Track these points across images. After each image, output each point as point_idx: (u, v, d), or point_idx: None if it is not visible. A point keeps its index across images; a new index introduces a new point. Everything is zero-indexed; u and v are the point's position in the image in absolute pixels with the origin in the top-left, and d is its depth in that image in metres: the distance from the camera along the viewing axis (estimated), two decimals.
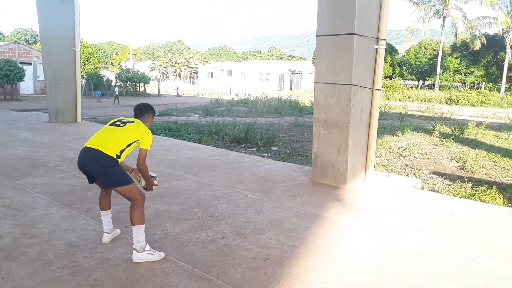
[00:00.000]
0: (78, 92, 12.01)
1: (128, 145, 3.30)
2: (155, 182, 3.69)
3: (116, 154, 3.21)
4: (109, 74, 43.33)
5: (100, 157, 3.16)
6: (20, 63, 25.86)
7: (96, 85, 30.80)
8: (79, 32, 11.74)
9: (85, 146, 3.28)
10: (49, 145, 8.34)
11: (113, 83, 35.10)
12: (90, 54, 40.54)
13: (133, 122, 3.43)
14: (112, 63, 72.17)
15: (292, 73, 52.49)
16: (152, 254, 3.30)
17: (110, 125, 3.42)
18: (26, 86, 27.59)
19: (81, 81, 16.21)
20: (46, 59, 11.76)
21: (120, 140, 3.25)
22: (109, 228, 3.65)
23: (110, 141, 3.23)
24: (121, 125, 3.36)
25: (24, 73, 24.12)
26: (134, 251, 3.26)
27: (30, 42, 60.71)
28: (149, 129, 3.53)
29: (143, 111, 3.58)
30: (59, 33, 11.28)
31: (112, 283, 2.96)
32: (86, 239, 3.71)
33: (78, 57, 11.78)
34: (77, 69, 11.81)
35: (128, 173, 3.45)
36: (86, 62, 39.03)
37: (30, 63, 27.83)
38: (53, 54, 11.44)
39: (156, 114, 3.49)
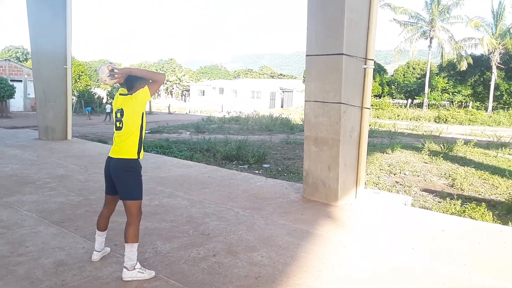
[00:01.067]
0: (68, 110, 11.96)
1: (141, 130, 3.29)
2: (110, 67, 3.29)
3: (137, 151, 3.28)
4: (101, 92, 43.28)
5: (122, 163, 3.26)
6: (11, 80, 25.81)
7: (87, 102, 30.74)
8: (71, 50, 11.77)
9: (108, 156, 3.38)
10: (39, 162, 8.26)
11: (104, 101, 35.07)
12: (81, 72, 40.57)
13: (122, 110, 3.25)
14: None
15: (283, 91, 52.96)
16: (143, 273, 3.27)
17: (116, 129, 3.34)
18: (16, 104, 27.47)
19: (72, 98, 16.16)
20: (37, 76, 11.74)
21: (131, 140, 3.26)
22: (100, 247, 3.61)
23: (124, 146, 3.26)
24: (120, 126, 3.29)
25: (15, 91, 24.04)
26: (124, 269, 3.23)
27: (21, 59, 60.61)
28: (152, 95, 3.38)
29: (134, 81, 3.32)
30: (51, 50, 11.30)
31: None
32: (75, 258, 3.66)
33: (69, 75, 11.78)
34: (68, 86, 11.79)
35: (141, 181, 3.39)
36: (78, 80, 39.01)
37: (21, 81, 27.77)
38: (44, 71, 11.43)
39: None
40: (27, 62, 47.76)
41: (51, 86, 11.53)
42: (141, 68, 3.31)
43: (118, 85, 3.43)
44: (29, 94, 27.89)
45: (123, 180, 3.27)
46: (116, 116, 3.34)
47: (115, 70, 3.28)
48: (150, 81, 3.31)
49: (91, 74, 49.63)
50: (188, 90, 63.26)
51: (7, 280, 3.17)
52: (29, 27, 11.42)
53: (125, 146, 3.25)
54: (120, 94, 3.36)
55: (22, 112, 27.26)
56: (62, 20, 11.29)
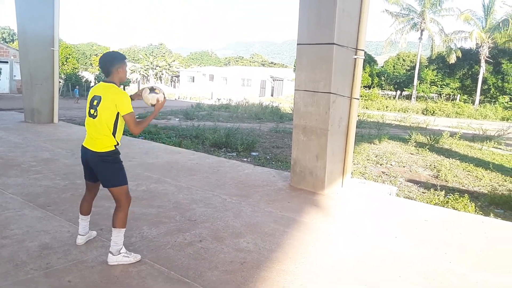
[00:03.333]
0: (55, 92, 11.77)
1: (115, 125, 3.13)
2: (160, 96, 3.29)
3: (114, 144, 3.17)
4: (88, 75, 42.62)
5: (98, 155, 3.15)
6: None
7: (74, 86, 30.24)
8: (58, 32, 11.54)
9: (82, 144, 3.27)
10: (24, 145, 8.15)
11: (91, 84, 34.56)
12: (69, 55, 39.78)
13: (100, 98, 3.08)
14: (91, 64, 71.03)
15: (273, 80, 52.83)
16: (128, 257, 3.27)
17: (89, 115, 3.17)
18: (2, 85, 26.90)
19: (59, 81, 15.89)
20: (23, 58, 11.50)
21: (103, 131, 3.11)
22: (84, 231, 3.60)
23: (97, 137, 3.13)
24: (94, 114, 3.12)
25: (0, 72, 23.51)
26: (109, 254, 3.23)
27: (7, 40, 59.25)
28: (125, 79, 3.19)
29: (108, 66, 3.13)
30: (38, 32, 11.06)
31: (86, 285, 2.92)
32: (60, 241, 3.64)
33: (56, 57, 11.56)
34: (55, 69, 11.58)
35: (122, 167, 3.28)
36: (65, 63, 38.29)
37: (7, 62, 27.16)
38: (31, 53, 11.20)
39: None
40: (13, 43, 46.68)
41: (38, 68, 11.32)
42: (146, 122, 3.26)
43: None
44: (15, 76, 27.30)
45: (103, 170, 3.19)
46: (91, 103, 3.14)
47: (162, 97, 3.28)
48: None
49: (79, 57, 48.84)
50: (177, 76, 62.66)
51: None
52: (16, 7, 11.13)
53: (101, 142, 3.13)
54: (103, 81, 3.21)
55: (8, 94, 26.72)
56: (50, 0, 11.04)
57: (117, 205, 3.25)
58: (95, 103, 3.13)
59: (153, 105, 3.34)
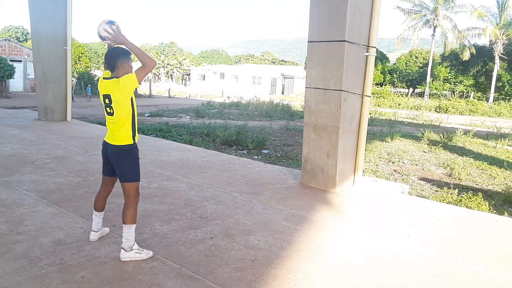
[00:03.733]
0: (68, 91, 11.92)
1: (133, 115, 3.22)
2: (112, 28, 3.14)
3: (132, 136, 3.26)
4: (100, 74, 43.05)
5: (117, 149, 3.25)
6: (10, 60, 25.63)
7: (86, 84, 30.58)
8: (71, 31, 11.67)
9: (104, 139, 3.38)
10: (38, 143, 8.27)
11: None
12: (81, 53, 40.28)
13: (109, 96, 3.13)
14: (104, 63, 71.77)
15: (284, 78, 52.71)
16: (140, 253, 3.31)
17: (107, 113, 3.25)
18: (16, 84, 27.32)
19: (72, 80, 16.06)
20: (37, 57, 11.66)
21: (124, 127, 3.21)
22: (97, 227, 3.65)
23: (117, 133, 3.23)
24: (110, 111, 3.19)
25: (14, 71, 23.89)
26: (122, 250, 3.27)
27: (21, 39, 60.11)
28: (130, 73, 3.12)
29: (113, 62, 3.16)
30: (51, 31, 11.21)
31: (99, 280, 2.96)
32: (73, 237, 3.69)
33: (69, 56, 11.70)
34: (67, 68, 11.73)
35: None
36: (77, 61, 38.78)
37: (21, 61, 27.58)
38: (44, 52, 11.35)
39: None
40: (27, 42, 47.39)
41: (51, 67, 11.47)
42: (136, 46, 3.15)
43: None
44: (28, 74, 27.72)
45: (120, 163, 3.28)
46: (104, 102, 3.21)
47: (111, 31, 3.11)
48: (135, 64, 3.08)
49: (91, 56, 49.35)
50: (188, 74, 62.95)
51: (6, 258, 3.21)
52: (29, 7, 11.30)
53: (120, 135, 3.23)
54: (104, 78, 3.22)
55: (22, 93, 27.15)
56: (63, 0, 11.17)
57: (126, 201, 3.28)
58: (107, 101, 3.20)
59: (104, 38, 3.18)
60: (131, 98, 3.19)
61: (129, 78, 3.07)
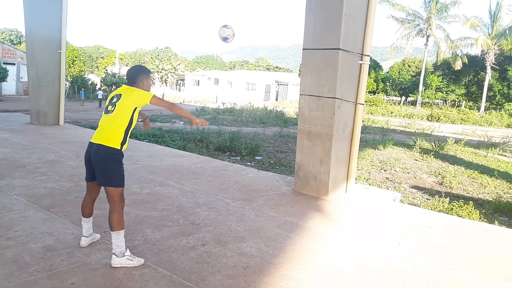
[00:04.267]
0: (61, 95, 11.84)
1: (131, 118, 3.22)
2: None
3: (121, 142, 3.22)
4: (94, 78, 42.90)
5: (103, 150, 3.19)
6: (4, 63, 25.44)
7: (80, 88, 30.46)
8: (66, 35, 11.63)
9: (90, 141, 3.31)
10: (30, 147, 8.20)
11: (97, 87, 34.76)
12: (75, 57, 40.11)
13: (120, 95, 3.23)
14: (97, 67, 71.53)
15: (278, 84, 52.89)
16: (132, 260, 3.28)
17: (105, 112, 3.30)
18: (9, 87, 27.12)
19: (65, 83, 15.98)
20: (31, 60, 11.59)
21: (117, 126, 3.19)
22: (88, 232, 3.61)
23: (108, 132, 3.20)
24: (111, 109, 3.23)
25: (7, 74, 23.74)
26: (113, 256, 3.24)
27: (15, 42, 59.82)
28: (149, 91, 3.32)
29: (134, 77, 3.34)
30: (45, 34, 11.16)
31: (89, 287, 2.93)
32: (64, 243, 3.66)
33: (63, 60, 11.64)
34: (61, 71, 11.66)
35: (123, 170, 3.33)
36: (71, 65, 38.59)
37: (14, 64, 27.40)
38: (38, 55, 11.29)
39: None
40: (20, 45, 47.14)
41: (45, 70, 11.40)
42: (183, 110, 3.36)
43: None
44: (22, 77, 27.53)
45: (103, 166, 3.21)
46: (111, 101, 3.28)
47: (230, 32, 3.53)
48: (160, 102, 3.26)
49: (85, 60, 49.16)
50: (183, 80, 62.93)
51: None
52: (24, 10, 11.25)
53: (109, 134, 3.19)
54: (125, 84, 3.38)
55: (14, 96, 26.95)
56: (58, 3, 11.14)
57: (111, 207, 3.24)
58: (114, 100, 3.25)
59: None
60: (134, 110, 3.22)
61: (144, 93, 3.21)
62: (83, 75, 39.33)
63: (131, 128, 3.28)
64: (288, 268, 3.51)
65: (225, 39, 3.51)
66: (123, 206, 3.31)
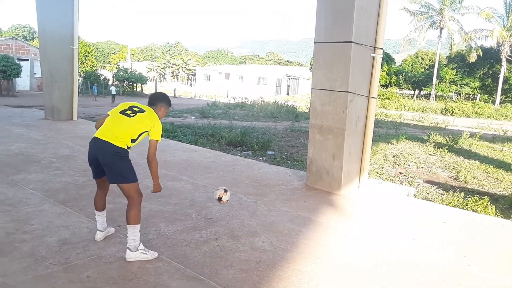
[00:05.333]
0: (74, 90, 11.98)
1: (139, 135, 3.28)
2: (224, 197, 3.93)
3: (127, 145, 3.22)
4: (106, 73, 43.27)
5: (111, 148, 3.17)
6: (17, 59, 25.81)
7: (92, 83, 30.75)
8: (78, 30, 11.74)
9: (94, 136, 3.26)
10: (44, 142, 8.31)
11: (110, 82, 35.06)
12: (88, 53, 40.52)
13: (144, 111, 3.34)
14: (109, 62, 72.09)
15: (289, 79, 52.68)
16: (146, 254, 3.31)
17: (120, 112, 3.31)
18: (23, 83, 27.51)
19: (78, 79, 16.13)
20: (44, 56, 11.74)
21: (130, 131, 3.21)
22: (102, 226, 3.65)
23: (120, 132, 3.19)
24: (131, 114, 3.28)
25: (21, 70, 24.06)
26: (127, 250, 3.27)
27: (28, 38, 60.57)
28: (161, 119, 3.47)
29: (156, 100, 3.51)
30: (58, 30, 11.28)
31: (104, 280, 2.97)
32: (79, 237, 3.71)
33: (76, 55, 11.77)
34: (74, 67, 11.79)
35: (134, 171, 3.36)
36: (84, 61, 39.00)
37: (27, 60, 27.76)
38: (51, 51, 11.42)
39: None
40: (34, 41, 47.73)
41: (58, 66, 11.54)
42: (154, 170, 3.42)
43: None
44: (35, 73, 27.89)
45: (114, 165, 3.20)
46: (130, 107, 3.35)
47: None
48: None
49: (97, 55, 49.57)
50: (194, 75, 63.06)
51: (12, 257, 3.23)
52: (37, 6, 11.38)
53: (121, 134, 3.18)
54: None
55: (28, 92, 27.33)
56: (70, 0, 11.23)
57: (129, 202, 3.26)
58: (136, 109, 3.34)
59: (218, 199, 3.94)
60: (145, 132, 3.30)
61: (159, 131, 3.35)
62: (96, 70, 39.72)
63: (134, 144, 3.30)
64: (301, 262, 3.50)
65: (219, 200, 3.77)
66: (141, 200, 3.33)
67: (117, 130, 3.21)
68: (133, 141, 3.26)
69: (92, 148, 3.26)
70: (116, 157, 3.19)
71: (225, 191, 3.91)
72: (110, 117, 3.33)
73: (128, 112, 3.30)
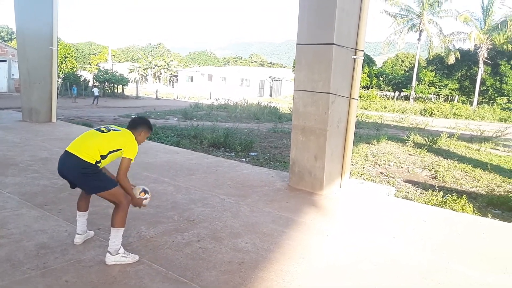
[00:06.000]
0: (53, 92, 11.74)
1: (110, 152, 3.19)
2: (145, 201, 3.47)
3: (96, 160, 3.13)
4: (87, 75, 42.56)
5: (79, 165, 3.09)
6: None
7: (72, 85, 30.22)
8: (57, 31, 11.51)
9: (65, 149, 3.21)
10: (22, 144, 8.12)
11: (90, 84, 34.51)
12: (67, 54, 39.83)
13: (119, 130, 3.33)
14: (90, 64, 71.00)
15: (272, 80, 52.84)
16: (126, 257, 3.26)
17: (95, 128, 3.36)
18: (0, 84, 26.85)
19: (58, 80, 15.82)
20: (22, 57, 11.46)
21: (101, 145, 3.15)
22: (82, 229, 3.58)
23: (89, 147, 3.14)
24: (104, 130, 3.28)
25: None
26: (107, 253, 3.21)
27: (5, 39, 59.18)
28: (140, 143, 3.39)
29: (136, 124, 3.42)
30: (36, 30, 11.04)
31: (83, 285, 2.91)
32: (57, 241, 3.63)
33: (55, 56, 11.54)
34: (53, 68, 11.56)
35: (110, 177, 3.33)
36: (63, 62, 38.31)
37: (5, 61, 27.11)
38: (29, 52, 11.17)
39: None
40: (11, 42, 46.63)
41: (36, 67, 11.29)
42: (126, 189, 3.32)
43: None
44: (13, 74, 27.24)
45: (83, 180, 3.17)
46: (108, 126, 3.39)
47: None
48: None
49: (78, 56, 48.74)
50: (176, 76, 62.58)
51: None
52: (15, 6, 11.10)
53: (89, 148, 3.12)
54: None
55: (6, 93, 26.67)
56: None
57: (116, 206, 3.22)
58: (112, 127, 3.35)
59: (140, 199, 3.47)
60: (118, 150, 3.21)
61: (134, 150, 3.27)
62: (75, 71, 39.02)
63: (104, 161, 3.21)
64: (283, 263, 3.51)
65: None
66: (129, 203, 3.27)
67: (86, 144, 3.16)
68: (102, 157, 3.16)
69: (60, 164, 3.23)
70: (83, 175, 3.12)
71: (145, 192, 3.50)
72: (84, 133, 3.33)
73: (103, 129, 3.32)
